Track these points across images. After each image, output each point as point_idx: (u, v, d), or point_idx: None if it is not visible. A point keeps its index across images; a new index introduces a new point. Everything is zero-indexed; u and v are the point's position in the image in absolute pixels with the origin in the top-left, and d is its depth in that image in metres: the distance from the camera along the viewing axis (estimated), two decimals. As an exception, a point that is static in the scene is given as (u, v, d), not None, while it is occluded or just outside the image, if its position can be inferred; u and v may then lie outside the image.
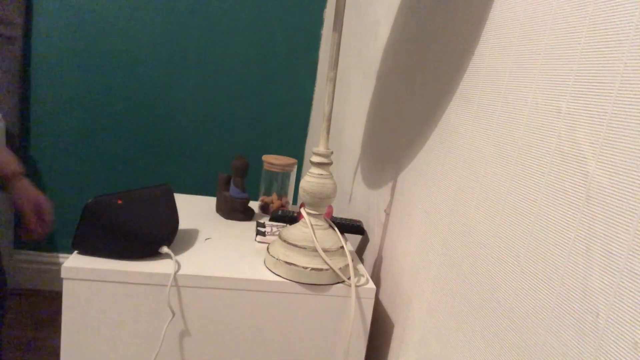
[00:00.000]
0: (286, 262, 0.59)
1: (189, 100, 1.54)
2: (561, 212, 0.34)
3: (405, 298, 0.61)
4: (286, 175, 0.86)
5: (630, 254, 0.28)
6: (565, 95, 0.35)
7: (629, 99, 0.29)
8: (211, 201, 0.90)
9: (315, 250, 0.60)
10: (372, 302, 0.62)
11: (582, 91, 0.33)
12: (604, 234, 0.30)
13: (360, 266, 0.68)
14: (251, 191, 1.56)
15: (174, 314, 0.57)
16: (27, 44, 1.42)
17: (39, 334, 1.36)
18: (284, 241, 0.61)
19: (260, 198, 0.88)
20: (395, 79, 0.74)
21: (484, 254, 0.44)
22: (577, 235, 0.32)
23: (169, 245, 0.62)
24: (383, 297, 0.70)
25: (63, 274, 0.55)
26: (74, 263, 0.56)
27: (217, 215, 0.82)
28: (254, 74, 1.54)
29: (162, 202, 0.65)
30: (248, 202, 0.81)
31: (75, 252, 0.59)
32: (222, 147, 1.58)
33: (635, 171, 0.28)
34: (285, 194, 0.87)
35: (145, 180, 1.53)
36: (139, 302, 0.57)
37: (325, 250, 0.60)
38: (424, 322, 0.55)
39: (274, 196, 0.86)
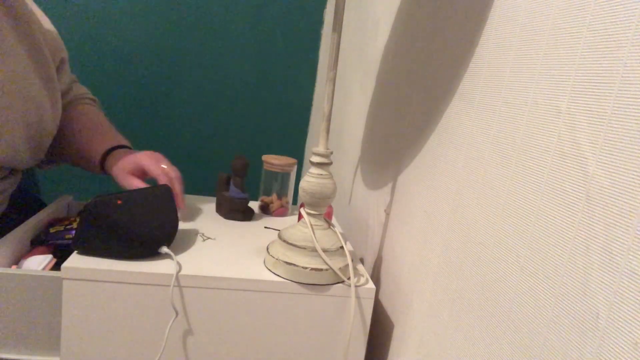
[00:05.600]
0: (286, 262, 0.59)
1: (189, 100, 1.54)
2: (561, 212, 0.34)
3: (405, 298, 0.61)
4: (286, 175, 0.86)
5: (630, 254, 0.28)
6: (565, 95, 0.35)
7: (629, 99, 0.29)
8: (211, 201, 0.90)
9: (315, 250, 0.59)
10: (372, 302, 0.62)
11: (582, 91, 0.33)
12: (604, 234, 0.30)
13: (360, 266, 0.68)
14: (251, 191, 1.56)
15: (177, 313, 0.57)
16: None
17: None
18: (284, 241, 0.61)
19: (260, 198, 0.88)
20: (395, 78, 0.74)
21: (484, 254, 0.44)
22: (577, 235, 0.32)
23: (168, 246, 0.62)
24: (383, 297, 0.70)
25: (62, 274, 0.55)
26: (73, 263, 0.56)
27: (217, 215, 0.82)
28: (254, 74, 1.54)
29: (162, 202, 0.65)
30: (248, 202, 0.81)
31: (75, 252, 0.59)
32: (222, 147, 1.58)
33: (635, 171, 0.28)
34: (285, 194, 0.87)
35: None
36: (139, 302, 0.57)
37: (325, 250, 0.60)
38: (424, 322, 0.55)
39: (274, 196, 0.86)
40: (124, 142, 0.85)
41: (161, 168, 0.72)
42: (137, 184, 0.72)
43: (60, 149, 0.87)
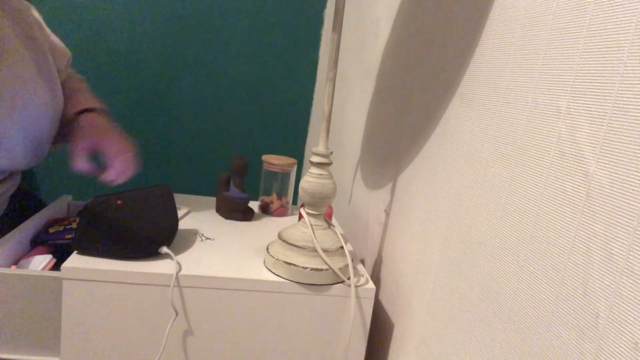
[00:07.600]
0: (286, 262, 0.59)
1: (189, 100, 1.54)
2: (561, 212, 0.34)
3: (405, 298, 0.61)
4: (286, 175, 0.86)
5: (630, 254, 0.28)
6: (565, 95, 0.35)
7: (629, 99, 0.29)
8: (211, 201, 0.90)
9: (314, 250, 0.59)
10: (372, 302, 0.62)
11: (582, 91, 0.33)
12: (604, 234, 0.30)
13: (360, 266, 0.68)
14: (251, 191, 1.56)
15: (177, 313, 0.57)
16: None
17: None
18: (284, 241, 0.61)
19: (260, 198, 0.88)
20: (395, 78, 0.74)
21: (484, 254, 0.44)
22: (577, 235, 0.32)
23: (168, 246, 0.62)
24: (383, 297, 0.70)
25: (62, 274, 0.55)
26: (73, 263, 0.56)
27: (217, 215, 0.82)
28: (254, 73, 1.54)
29: (162, 202, 0.65)
30: (248, 202, 0.81)
31: (75, 252, 0.59)
32: (222, 147, 1.58)
33: (635, 171, 0.28)
34: (285, 194, 0.87)
35: (145, 181, 1.53)
36: (139, 302, 0.57)
37: (324, 251, 0.60)
38: (424, 322, 0.55)
39: (274, 196, 0.86)
40: (94, 103, 0.81)
41: (119, 162, 0.72)
42: (81, 165, 0.71)
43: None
